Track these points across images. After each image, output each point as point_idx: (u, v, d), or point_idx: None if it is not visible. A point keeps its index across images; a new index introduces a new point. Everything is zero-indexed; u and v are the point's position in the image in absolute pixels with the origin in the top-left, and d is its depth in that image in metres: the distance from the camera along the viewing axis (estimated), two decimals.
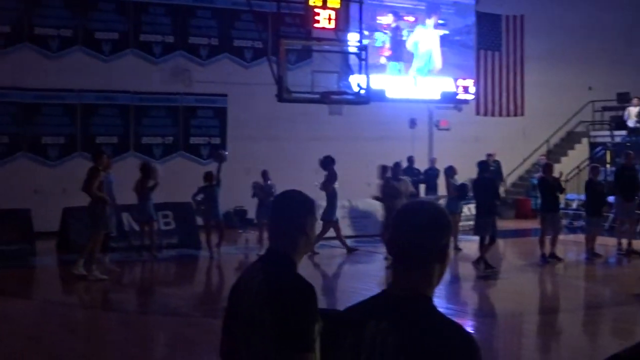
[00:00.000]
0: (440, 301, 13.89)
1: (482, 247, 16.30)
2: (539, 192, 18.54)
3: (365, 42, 21.01)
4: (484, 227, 16.28)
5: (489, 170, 16.78)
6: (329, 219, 18.53)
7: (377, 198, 18.55)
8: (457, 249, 18.93)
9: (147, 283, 16.45)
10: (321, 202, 18.37)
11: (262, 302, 3.39)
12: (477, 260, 16.23)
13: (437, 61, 25.81)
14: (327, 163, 18.93)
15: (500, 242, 22.18)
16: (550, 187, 17.55)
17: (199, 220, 19.25)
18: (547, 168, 18.08)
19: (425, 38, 25.69)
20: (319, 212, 17.87)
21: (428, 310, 2.68)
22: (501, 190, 26.12)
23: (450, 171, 19.79)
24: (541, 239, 17.57)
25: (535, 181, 25.94)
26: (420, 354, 2.57)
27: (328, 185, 18.68)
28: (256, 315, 3.40)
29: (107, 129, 22.34)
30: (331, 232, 18.96)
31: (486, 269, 15.97)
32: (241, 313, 3.48)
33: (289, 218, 3.57)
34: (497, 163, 25.41)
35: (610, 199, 22.52)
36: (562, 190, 18.34)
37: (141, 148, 22.55)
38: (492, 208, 16.46)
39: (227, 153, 18.90)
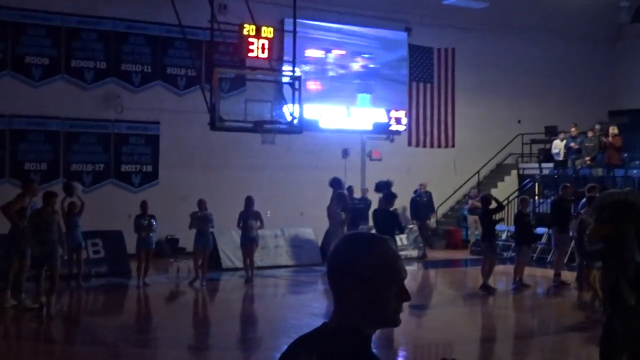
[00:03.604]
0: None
1: None
2: (515, 225, 18.87)
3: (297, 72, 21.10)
4: None
5: (391, 201, 16.60)
6: None
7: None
8: None
9: (75, 312, 16.14)
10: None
11: None
12: None
13: None
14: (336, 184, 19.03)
15: (432, 272, 22.40)
16: (523, 220, 18.13)
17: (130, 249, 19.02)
18: (524, 202, 18.61)
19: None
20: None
21: (351, 343, 2.61)
22: (432, 220, 26.47)
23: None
24: (517, 266, 17.99)
25: (465, 212, 26.30)
26: None
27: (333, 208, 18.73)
28: None
29: (36, 155, 21.95)
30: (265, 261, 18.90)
31: None
32: None
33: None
34: (428, 194, 25.70)
35: (540, 230, 22.95)
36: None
37: (71, 175, 22.18)
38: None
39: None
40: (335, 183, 20.32)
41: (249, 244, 18.47)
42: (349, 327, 2.63)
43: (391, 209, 17.33)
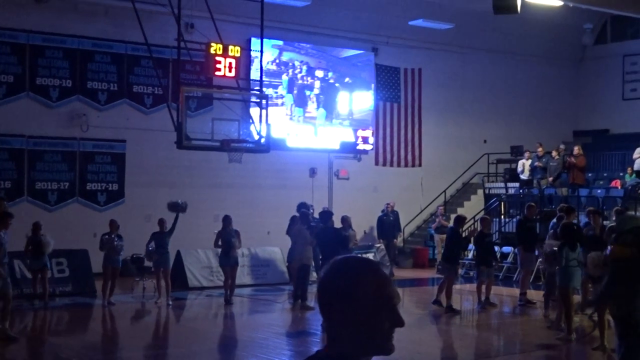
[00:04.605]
0: None
1: None
2: (476, 245, 18.99)
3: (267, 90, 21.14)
4: None
5: (331, 219, 16.30)
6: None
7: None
8: None
9: (39, 332, 15.95)
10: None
11: None
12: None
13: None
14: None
15: (399, 291, 22.39)
16: (484, 240, 18.22)
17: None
18: (485, 222, 18.68)
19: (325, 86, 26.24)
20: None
21: None
22: (399, 239, 26.50)
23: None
24: (478, 286, 18.03)
25: (432, 231, 26.38)
26: None
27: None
28: None
29: (0, 174, 21.72)
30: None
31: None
32: None
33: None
34: (395, 213, 25.71)
35: (506, 249, 23.11)
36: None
37: (35, 193, 22.00)
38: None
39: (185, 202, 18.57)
40: (300, 205, 20.46)
41: (233, 265, 18.34)
42: (341, 355, 2.54)
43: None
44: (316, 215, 21.46)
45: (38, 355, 13.74)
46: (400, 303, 2.94)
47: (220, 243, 18.26)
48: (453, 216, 21.39)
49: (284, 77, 25.67)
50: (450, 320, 16.90)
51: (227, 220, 18.32)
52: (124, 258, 19.16)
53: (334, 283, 2.55)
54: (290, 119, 25.66)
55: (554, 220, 17.56)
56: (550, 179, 25.85)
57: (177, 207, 18.20)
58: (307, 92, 26.22)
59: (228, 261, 18.23)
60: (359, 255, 2.77)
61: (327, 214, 17.03)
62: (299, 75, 26.06)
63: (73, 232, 20.83)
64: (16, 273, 18.16)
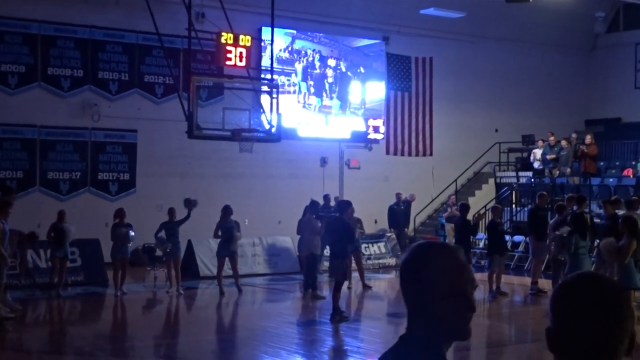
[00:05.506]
0: (348, 340, 13.89)
1: (335, 292, 14.95)
2: (487, 234, 19.07)
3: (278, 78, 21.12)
4: (336, 270, 15.06)
5: (347, 210, 16.04)
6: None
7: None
8: (366, 287, 19.07)
9: (52, 321, 16.03)
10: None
11: None
12: (334, 312, 14.81)
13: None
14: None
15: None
16: (496, 229, 18.26)
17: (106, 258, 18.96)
18: (496, 211, 18.67)
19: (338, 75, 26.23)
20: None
21: (407, 350, 2.56)
22: (410, 229, 26.47)
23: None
24: (489, 276, 18.01)
25: (443, 220, 26.31)
26: None
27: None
28: None
29: (12, 164, 21.80)
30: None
31: (335, 317, 14.70)
32: None
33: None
34: (407, 203, 25.55)
35: (517, 238, 23.07)
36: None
37: (47, 183, 22.08)
38: (345, 250, 15.26)
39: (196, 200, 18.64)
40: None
41: (232, 256, 18.30)
42: (418, 339, 2.57)
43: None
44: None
45: (51, 344, 13.80)
46: None
47: (220, 234, 18.20)
48: None
49: (297, 65, 25.67)
50: None
51: (226, 210, 18.28)
52: (135, 248, 19.26)
53: (411, 268, 2.59)
54: (304, 106, 25.66)
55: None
56: (568, 170, 25.65)
57: (190, 204, 18.23)
58: (326, 82, 26.27)
59: (224, 252, 18.16)
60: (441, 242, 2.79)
61: (343, 204, 16.72)
62: (317, 65, 26.09)
63: (85, 222, 20.86)
64: (29, 262, 18.24)
